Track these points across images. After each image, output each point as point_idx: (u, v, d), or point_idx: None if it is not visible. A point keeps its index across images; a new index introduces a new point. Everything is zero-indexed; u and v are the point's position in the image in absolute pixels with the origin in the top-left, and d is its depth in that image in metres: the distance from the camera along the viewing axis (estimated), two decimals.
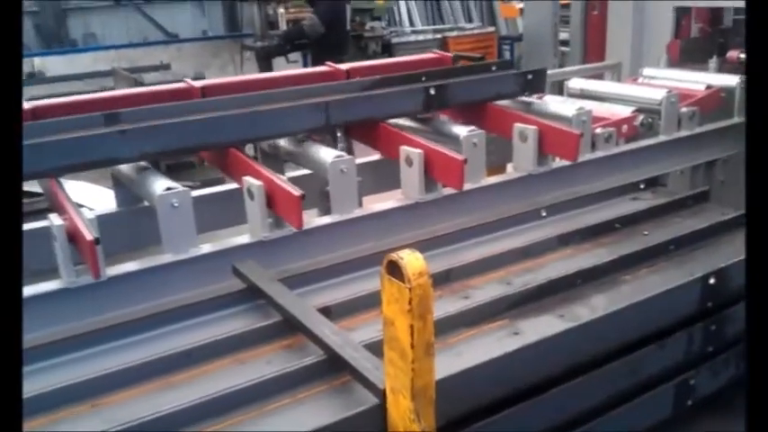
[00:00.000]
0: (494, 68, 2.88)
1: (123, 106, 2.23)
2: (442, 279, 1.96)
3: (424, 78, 2.67)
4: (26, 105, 2.23)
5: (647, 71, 3.76)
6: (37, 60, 10.26)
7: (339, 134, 2.83)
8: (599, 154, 2.74)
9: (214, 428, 1.45)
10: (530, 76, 2.77)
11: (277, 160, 2.60)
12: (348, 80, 2.70)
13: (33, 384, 1.54)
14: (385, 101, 2.50)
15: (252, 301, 1.91)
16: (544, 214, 2.41)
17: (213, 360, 1.67)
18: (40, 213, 3.57)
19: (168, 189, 1.98)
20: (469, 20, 13.79)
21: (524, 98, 2.87)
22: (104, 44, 11.65)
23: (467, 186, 2.30)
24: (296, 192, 1.96)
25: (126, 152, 2.09)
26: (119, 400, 1.55)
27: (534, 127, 2.49)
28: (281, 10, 9.47)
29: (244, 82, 2.73)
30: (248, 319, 1.86)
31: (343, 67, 2.82)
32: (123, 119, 2.15)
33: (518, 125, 2.52)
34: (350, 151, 2.75)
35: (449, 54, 3.12)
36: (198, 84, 2.52)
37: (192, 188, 2.10)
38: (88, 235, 1.73)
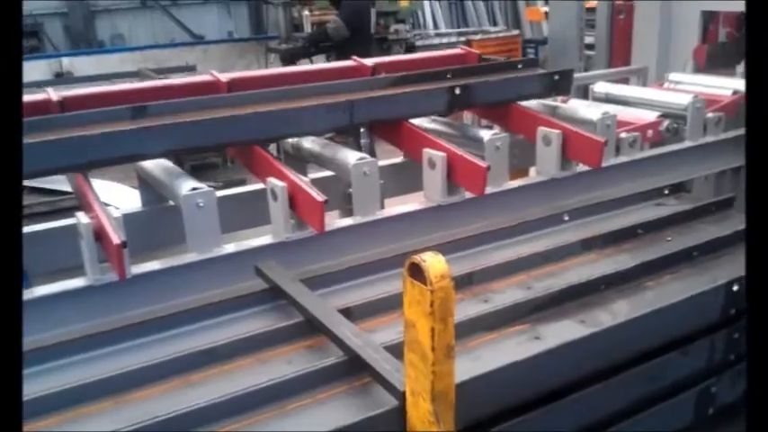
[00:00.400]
0: (519, 66, 2.86)
1: (151, 99, 2.26)
2: (463, 282, 1.96)
3: (449, 75, 2.66)
4: (54, 97, 2.26)
5: (673, 76, 3.72)
6: (65, 61, 10.43)
7: (363, 141, 2.84)
8: (623, 159, 2.72)
9: (234, 427, 1.46)
10: (556, 77, 2.76)
11: (300, 161, 2.61)
12: (373, 76, 2.71)
13: (58, 380, 1.57)
14: (409, 101, 2.50)
15: (274, 301, 1.92)
16: (567, 219, 2.40)
17: (235, 359, 1.69)
18: (66, 211, 3.64)
19: (194, 189, 2.01)
20: (494, 23, 13.76)
21: (549, 101, 2.86)
22: (131, 45, 11.82)
23: (489, 190, 2.29)
24: (319, 197, 1.97)
25: (151, 148, 2.13)
26: (141, 398, 1.57)
27: (558, 131, 2.48)
28: (306, 12, 9.54)
29: (270, 76, 2.75)
30: (270, 318, 1.87)
31: (369, 62, 2.83)
32: (150, 112, 2.18)
33: (542, 129, 2.52)
34: (372, 153, 2.76)
35: (475, 51, 3.10)
36: (224, 77, 2.53)
37: (216, 189, 2.13)
38: (115, 238, 1.75)
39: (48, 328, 1.78)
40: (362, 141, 2.87)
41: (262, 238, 2.12)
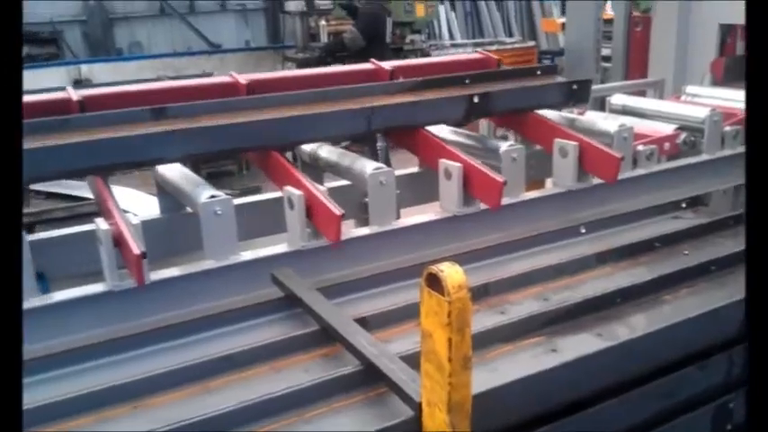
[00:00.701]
0: (538, 73, 2.86)
1: (170, 99, 2.28)
2: (479, 293, 1.96)
3: (467, 81, 2.67)
4: (74, 96, 2.28)
5: (690, 89, 3.72)
6: (84, 68, 10.56)
7: (379, 144, 2.85)
8: (640, 171, 2.71)
9: None
10: (575, 87, 2.76)
11: (316, 170, 2.63)
12: (391, 81, 2.71)
13: (77, 385, 1.59)
14: (427, 109, 2.50)
15: (290, 310, 1.93)
16: (583, 231, 2.39)
17: (252, 366, 1.69)
18: (84, 217, 3.67)
19: (212, 197, 2.02)
20: (510, 34, 13.77)
21: (566, 112, 2.86)
22: (149, 53, 11.93)
23: (505, 201, 2.29)
24: (337, 210, 1.98)
25: (170, 153, 2.15)
26: (159, 403, 1.58)
27: (575, 143, 2.48)
28: (323, 22, 9.59)
29: (289, 78, 2.77)
30: (286, 327, 1.88)
31: (387, 65, 2.83)
32: (169, 114, 2.21)
33: (559, 140, 2.52)
34: (387, 162, 2.77)
35: (494, 56, 3.10)
36: (243, 79, 2.54)
37: (233, 196, 2.14)
38: (135, 248, 1.77)
39: (66, 332, 1.80)
40: (379, 145, 2.88)
41: (278, 247, 2.13)
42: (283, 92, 2.44)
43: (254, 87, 2.50)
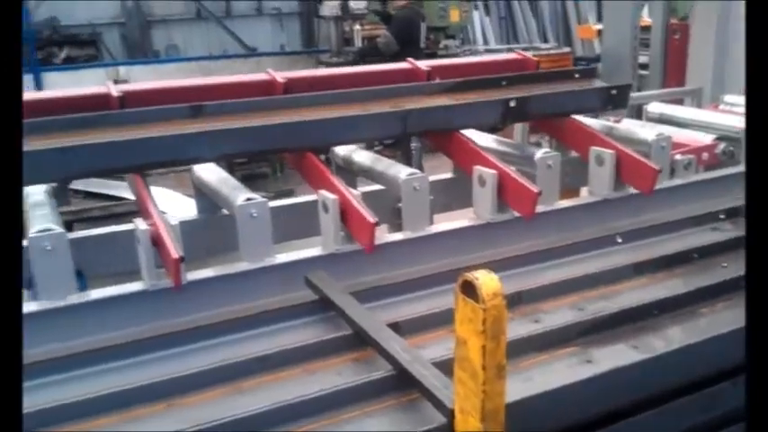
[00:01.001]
0: (577, 76, 2.83)
1: (209, 96, 2.33)
2: (513, 301, 1.95)
3: (504, 83, 2.66)
4: (114, 92, 2.33)
5: (728, 98, 3.65)
6: (122, 69, 10.75)
7: (413, 145, 2.85)
8: (678, 181, 2.67)
9: None
10: (614, 91, 2.72)
11: (350, 174, 2.64)
12: (427, 82, 2.71)
13: (111, 382, 1.61)
14: (463, 113, 2.49)
15: (323, 313, 1.94)
16: (620, 240, 2.36)
17: (284, 368, 1.70)
18: (120, 217, 3.74)
19: (248, 200, 2.04)
20: (545, 40, 13.68)
21: (603, 120, 2.83)
22: (186, 56, 12.10)
23: (540, 208, 2.28)
24: (371, 218, 1.99)
25: (206, 152, 2.19)
26: (192, 402, 1.59)
27: (612, 151, 2.45)
28: (357, 27, 9.63)
29: (326, 77, 2.78)
30: (319, 329, 1.88)
31: (423, 65, 2.82)
32: (207, 112, 2.25)
33: (595, 149, 2.49)
34: (420, 167, 2.77)
35: (532, 57, 3.07)
36: (280, 77, 2.56)
37: (268, 199, 2.16)
38: (174, 252, 1.79)
39: (104, 330, 1.83)
40: (413, 145, 2.88)
41: (312, 250, 2.14)
42: (319, 91, 2.46)
43: (290, 86, 2.52)
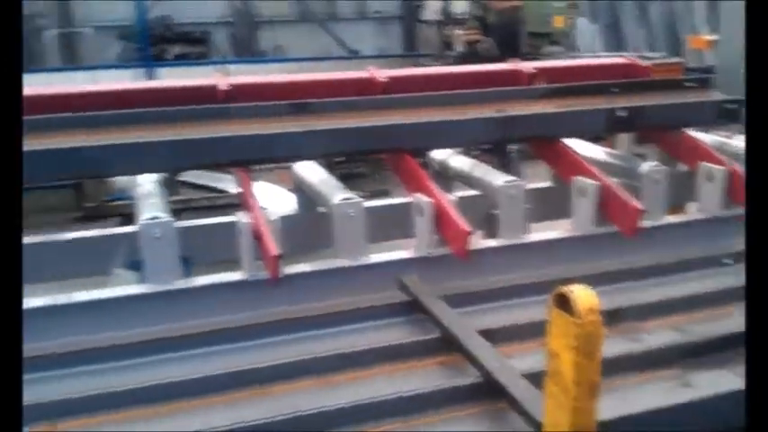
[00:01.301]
0: (690, 85, 2.71)
1: (311, 91, 2.42)
2: (611, 318, 1.87)
3: (614, 90, 2.57)
4: (222, 85, 2.42)
5: None
6: (231, 68, 11.14)
7: (512, 147, 2.80)
8: None
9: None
10: (730, 105, 2.58)
11: (446, 178, 2.63)
12: (529, 86, 2.65)
13: (209, 365, 1.68)
14: (567, 120, 2.44)
15: (412, 315, 1.94)
16: (730, 262, 2.23)
17: (371, 367, 1.72)
18: (223, 208, 3.88)
19: (345, 199, 2.08)
20: (652, 49, 13.17)
21: (715, 134, 2.69)
22: (290, 56, 12.42)
23: (645, 224, 2.19)
24: (466, 226, 1.98)
25: (307, 150, 2.24)
26: (283, 391, 1.64)
27: (723, 168, 2.33)
28: (459, 31, 9.60)
29: (426, 76, 2.77)
30: (407, 331, 1.89)
31: (527, 67, 2.75)
32: (309, 109, 2.30)
33: (705, 164, 2.38)
34: (518, 173, 2.72)
35: (642, 63, 2.94)
36: (381, 76, 2.58)
37: (363, 199, 2.19)
38: (273, 249, 1.85)
39: (205, 315, 1.90)
40: (513, 147, 2.83)
41: (404, 252, 2.16)
42: (420, 90, 2.46)
43: (390, 84, 2.54)
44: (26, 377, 1.62)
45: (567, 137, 2.46)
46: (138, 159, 2.09)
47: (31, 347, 1.71)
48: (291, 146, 2.21)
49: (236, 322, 1.85)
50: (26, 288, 2.16)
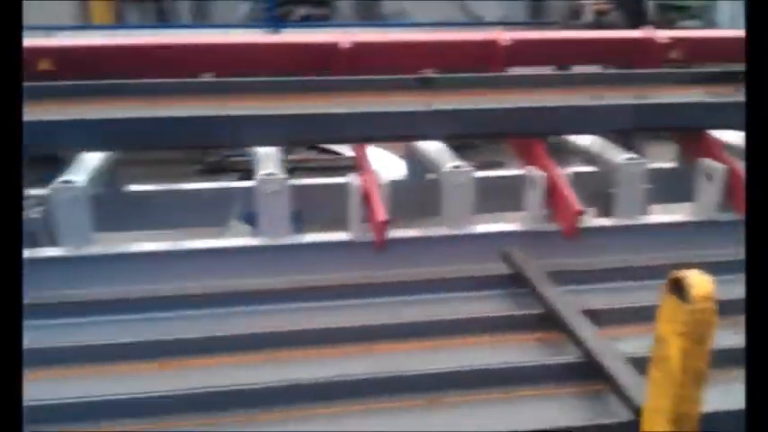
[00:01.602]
0: None
1: (435, 52, 2.39)
2: (726, 308, 1.78)
3: None
4: (344, 42, 2.39)
5: None
6: (354, 31, 11.22)
7: None
8: None
9: (457, 400, 1.51)
10: None
11: (562, 152, 2.56)
12: (668, 71, 2.45)
13: (316, 320, 1.75)
14: (722, 112, 2.17)
15: (515, 288, 1.93)
16: None
17: (471, 335, 1.73)
18: (336, 170, 3.98)
19: (456, 167, 2.08)
20: None
21: None
22: (413, 21, 12.36)
23: None
24: (577, 205, 1.93)
25: (432, 131, 2.17)
26: (387, 350, 1.68)
27: None
28: (589, 0, 9.21)
29: (551, 41, 2.67)
30: (509, 304, 1.89)
31: (660, 36, 2.54)
32: (436, 84, 2.22)
33: None
34: (641, 153, 2.61)
35: None
36: (504, 39, 2.47)
37: (475, 168, 2.17)
38: (381, 214, 1.88)
39: (311, 271, 1.98)
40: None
41: (511, 224, 2.13)
42: (545, 55, 2.37)
43: (515, 49, 2.44)
44: (147, 315, 1.78)
45: (720, 129, 2.24)
46: (253, 132, 2.08)
47: (148, 288, 1.87)
48: (417, 125, 2.13)
49: (342, 280, 1.91)
50: (149, 233, 2.33)
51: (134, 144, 2.11)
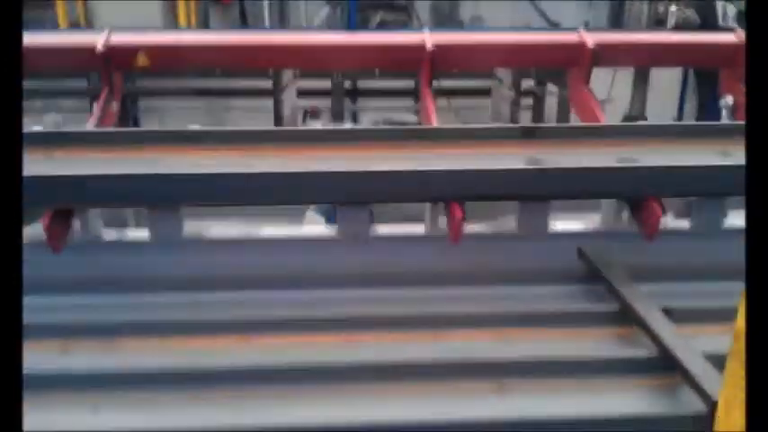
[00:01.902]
0: None
1: (519, 53, 2.42)
2: None
3: None
4: (428, 43, 2.37)
5: None
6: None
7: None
8: None
9: (532, 387, 1.55)
10: None
11: None
12: None
13: (390, 308, 1.82)
14: None
15: (591, 284, 1.94)
16: None
17: (547, 327, 1.76)
18: None
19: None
20: None
21: None
22: (490, 27, 12.31)
23: None
24: (659, 207, 1.92)
25: (543, 191, 1.99)
26: (460, 338, 1.73)
27: None
28: (673, 8, 8.95)
29: (639, 44, 2.63)
30: (585, 300, 1.91)
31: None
32: (539, 135, 2.08)
33: None
34: None
35: None
36: (591, 40, 2.42)
37: None
38: (458, 211, 1.90)
39: (386, 263, 2.03)
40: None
41: (589, 222, 2.13)
42: (632, 60, 2.38)
43: (600, 52, 2.41)
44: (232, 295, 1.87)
45: None
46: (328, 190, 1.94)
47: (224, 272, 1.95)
48: (526, 187, 1.93)
49: (416, 271, 1.96)
50: (228, 218, 2.41)
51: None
